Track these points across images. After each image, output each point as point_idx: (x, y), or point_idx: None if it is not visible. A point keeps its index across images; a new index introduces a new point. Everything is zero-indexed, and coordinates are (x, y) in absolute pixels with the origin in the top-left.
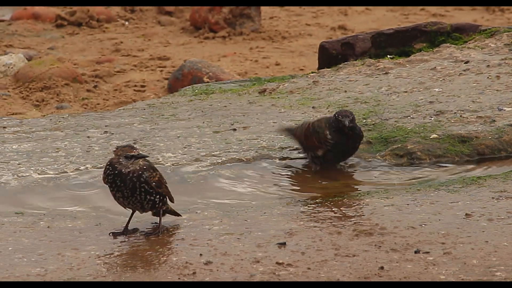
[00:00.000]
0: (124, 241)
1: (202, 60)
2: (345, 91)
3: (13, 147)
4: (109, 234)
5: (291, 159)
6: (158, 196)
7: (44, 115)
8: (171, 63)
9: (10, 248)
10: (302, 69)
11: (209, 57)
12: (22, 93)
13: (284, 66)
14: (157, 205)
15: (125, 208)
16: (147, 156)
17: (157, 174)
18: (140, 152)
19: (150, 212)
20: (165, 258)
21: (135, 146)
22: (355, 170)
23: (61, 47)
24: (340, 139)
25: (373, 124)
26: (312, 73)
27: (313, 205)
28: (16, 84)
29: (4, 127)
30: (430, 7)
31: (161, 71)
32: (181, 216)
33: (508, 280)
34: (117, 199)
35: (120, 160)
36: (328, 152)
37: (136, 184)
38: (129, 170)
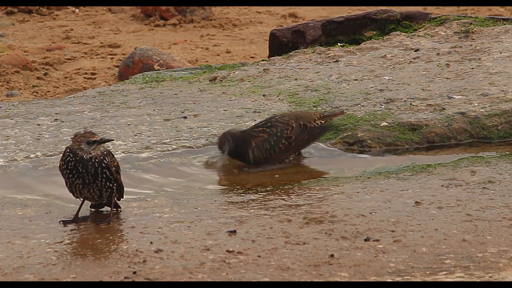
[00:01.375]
0: (74, 229)
1: (153, 48)
2: (296, 79)
3: None
4: (59, 222)
5: None
6: (115, 184)
7: None
8: (122, 51)
9: None
10: (252, 57)
11: (159, 44)
12: None
13: (235, 54)
14: (113, 194)
15: (77, 197)
16: (112, 140)
17: (116, 160)
18: (103, 137)
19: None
20: (115, 246)
21: (94, 132)
22: (306, 158)
23: (11, 34)
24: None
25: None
26: (263, 61)
27: (264, 193)
28: None
29: None
30: None
31: (112, 58)
32: (120, 208)
33: (457, 267)
34: (73, 187)
35: (81, 146)
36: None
37: (98, 170)
38: (91, 155)
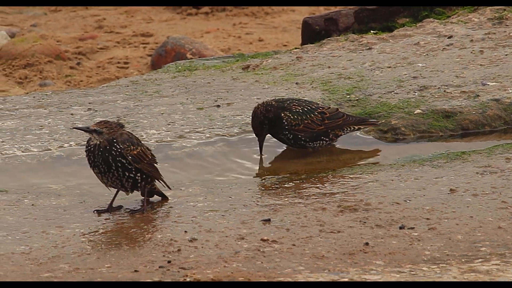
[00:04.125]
0: (109, 219)
1: (185, 37)
2: (329, 67)
3: None
4: (94, 211)
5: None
6: (138, 174)
7: (27, 93)
8: (154, 40)
9: None
10: (285, 45)
11: (192, 33)
12: (5, 71)
13: (267, 42)
14: (139, 184)
15: (108, 187)
16: (101, 132)
17: (138, 148)
18: (96, 128)
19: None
20: (149, 236)
21: (108, 120)
22: (339, 146)
23: (44, 24)
24: None
25: (357, 99)
26: (296, 49)
27: (298, 181)
28: None
29: None
30: None
31: (144, 47)
32: (168, 199)
33: (492, 255)
34: (97, 177)
35: (93, 135)
36: None
37: (108, 159)
38: (94, 144)
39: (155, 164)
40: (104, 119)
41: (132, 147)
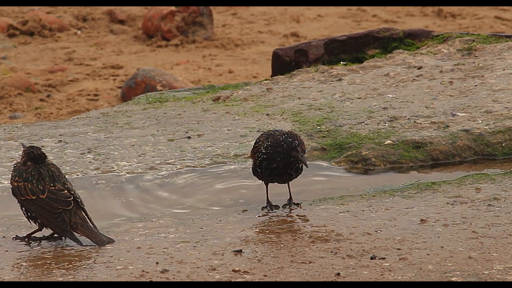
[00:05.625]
0: (82, 251)
1: (155, 69)
2: (299, 98)
3: None
4: (13, 238)
5: (246, 167)
6: (23, 208)
7: None
8: (124, 72)
9: None
10: (255, 77)
11: (162, 65)
12: None
13: (237, 74)
14: (26, 217)
15: None
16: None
17: (21, 183)
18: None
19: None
20: (121, 267)
21: (31, 148)
22: (310, 177)
23: (14, 57)
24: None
25: (327, 130)
26: (266, 80)
27: (269, 212)
28: None
29: None
30: (382, 13)
31: (114, 79)
32: (82, 245)
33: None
34: None
35: None
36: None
37: None
38: None
39: (54, 212)
40: (33, 146)
41: (16, 178)
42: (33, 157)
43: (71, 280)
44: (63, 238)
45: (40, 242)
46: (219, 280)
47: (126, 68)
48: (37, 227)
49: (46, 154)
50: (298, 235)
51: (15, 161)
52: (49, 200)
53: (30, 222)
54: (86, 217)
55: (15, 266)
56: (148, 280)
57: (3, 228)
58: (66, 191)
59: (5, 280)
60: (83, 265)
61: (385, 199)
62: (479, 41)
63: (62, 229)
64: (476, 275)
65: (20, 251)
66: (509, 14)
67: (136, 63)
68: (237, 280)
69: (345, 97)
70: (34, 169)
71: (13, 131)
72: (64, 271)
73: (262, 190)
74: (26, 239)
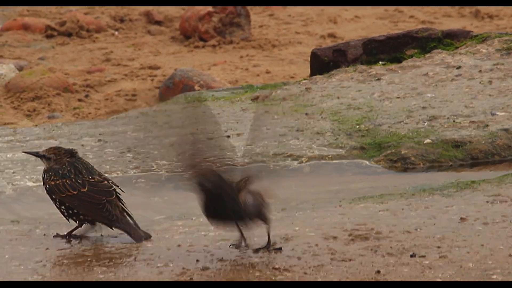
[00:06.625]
0: (120, 249)
1: (193, 69)
2: (338, 98)
3: (7, 155)
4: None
5: (285, 165)
6: (62, 206)
7: (36, 125)
8: (162, 72)
9: (6, 256)
10: (292, 77)
11: (199, 65)
12: (14, 103)
13: (275, 74)
14: (65, 215)
15: None
16: (49, 158)
17: (59, 180)
18: (45, 154)
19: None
20: (162, 265)
21: (60, 147)
22: (349, 175)
23: (52, 57)
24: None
25: (366, 130)
26: (304, 80)
27: (308, 211)
28: (7, 94)
29: None
30: (419, 14)
31: (152, 80)
32: (138, 242)
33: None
34: None
35: (42, 160)
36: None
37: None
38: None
39: (98, 204)
40: (58, 146)
41: (52, 177)
42: (66, 151)
43: (112, 277)
44: (102, 235)
45: (81, 240)
46: (259, 277)
47: (164, 69)
48: (77, 224)
49: (86, 153)
50: (338, 233)
51: (45, 166)
52: (92, 193)
53: (68, 220)
54: (125, 211)
55: (57, 263)
56: (189, 278)
57: (44, 226)
58: (106, 182)
59: (47, 278)
60: (124, 262)
61: (424, 197)
62: None
63: (109, 219)
64: None
65: (61, 249)
66: None
67: (173, 63)
68: (277, 278)
69: (384, 97)
70: (69, 165)
71: (53, 130)
72: (105, 268)
73: (302, 188)
74: (66, 237)
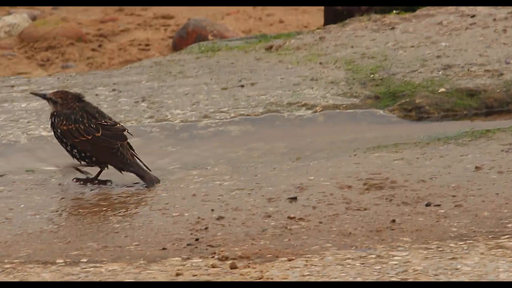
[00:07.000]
0: (135, 197)
1: (206, 19)
2: (352, 47)
3: (22, 105)
4: (73, 180)
5: (300, 115)
6: (74, 150)
7: (50, 74)
8: (175, 22)
9: (22, 206)
10: (306, 26)
11: (212, 15)
12: (27, 53)
13: (288, 24)
14: (77, 158)
15: None
16: (55, 102)
17: (72, 125)
18: (52, 97)
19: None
20: (177, 214)
21: (68, 91)
22: (364, 125)
23: (65, 7)
24: None
25: (380, 79)
26: (318, 29)
27: (323, 160)
28: (21, 44)
29: (12, 86)
30: None
31: (165, 29)
32: (151, 186)
33: None
34: None
35: (49, 103)
36: None
37: (52, 128)
38: (51, 112)
39: (113, 148)
40: (64, 90)
41: (64, 122)
42: (73, 95)
43: (127, 227)
44: (111, 182)
45: (99, 185)
46: (275, 226)
47: (177, 18)
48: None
49: (100, 103)
50: (352, 182)
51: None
52: (106, 137)
53: (80, 162)
54: (134, 155)
55: (72, 213)
56: (204, 228)
57: (59, 176)
58: (119, 125)
59: (62, 228)
60: (139, 212)
61: (439, 146)
62: None
63: (123, 162)
64: None
65: (76, 198)
66: None
67: (186, 13)
68: (292, 227)
69: (398, 46)
70: (80, 109)
71: (67, 79)
72: (120, 217)
73: (317, 138)
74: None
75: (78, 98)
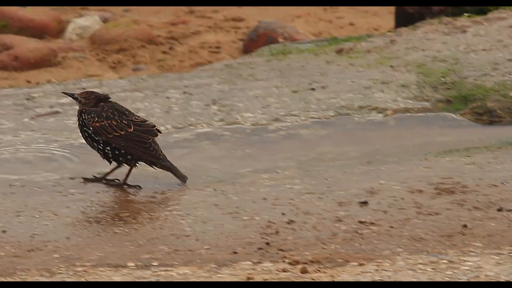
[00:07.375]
0: (204, 201)
1: (277, 21)
2: (423, 50)
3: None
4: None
5: (371, 119)
6: (107, 148)
7: (122, 77)
8: (245, 24)
9: (93, 208)
10: (376, 29)
11: (283, 18)
12: (99, 55)
13: (359, 26)
14: (109, 157)
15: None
16: (80, 101)
17: (104, 122)
18: (78, 96)
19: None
20: (247, 218)
21: (93, 92)
22: (435, 128)
23: (136, 9)
24: None
25: (452, 82)
26: (389, 32)
27: (393, 164)
28: (92, 46)
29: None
30: None
31: (236, 32)
32: (183, 182)
33: None
34: None
35: (77, 102)
36: None
37: (79, 127)
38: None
39: (145, 142)
40: (91, 90)
41: (96, 119)
42: (97, 96)
43: (198, 230)
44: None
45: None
46: (345, 230)
47: (247, 21)
48: (128, 167)
49: (171, 105)
50: (424, 186)
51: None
52: (138, 132)
53: (110, 163)
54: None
55: (143, 216)
56: (275, 232)
57: (131, 179)
58: (149, 122)
59: (133, 228)
60: (210, 215)
61: (511, 151)
62: None
63: (156, 157)
64: None
65: (147, 202)
66: None
67: (257, 15)
68: (363, 232)
69: (469, 49)
70: (110, 107)
71: (138, 82)
72: (191, 221)
73: (387, 141)
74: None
75: (100, 99)
